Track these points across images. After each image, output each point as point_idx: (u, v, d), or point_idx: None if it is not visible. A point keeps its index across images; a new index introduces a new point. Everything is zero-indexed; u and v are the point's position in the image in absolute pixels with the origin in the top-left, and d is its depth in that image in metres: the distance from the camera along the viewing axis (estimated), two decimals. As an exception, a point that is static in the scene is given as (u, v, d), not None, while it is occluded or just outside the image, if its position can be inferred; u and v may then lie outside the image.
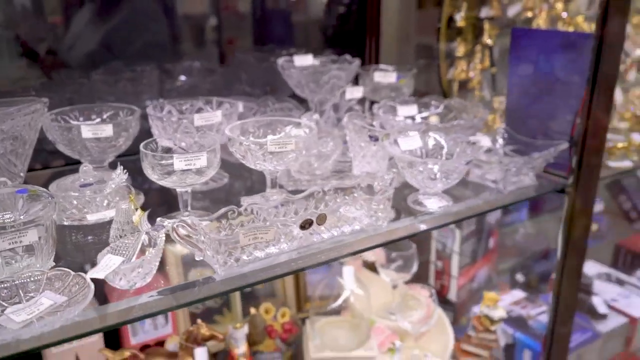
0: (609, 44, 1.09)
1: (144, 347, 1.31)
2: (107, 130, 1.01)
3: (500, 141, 1.29)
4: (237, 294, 1.50)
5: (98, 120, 1.12)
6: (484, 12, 1.52)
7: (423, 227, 1.01)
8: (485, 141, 1.17)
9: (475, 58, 1.57)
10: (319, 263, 0.86)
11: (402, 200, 1.08)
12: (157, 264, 0.77)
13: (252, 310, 1.44)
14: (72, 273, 0.72)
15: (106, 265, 0.71)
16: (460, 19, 1.55)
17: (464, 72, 1.55)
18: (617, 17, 1.08)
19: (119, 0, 1.33)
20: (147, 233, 0.76)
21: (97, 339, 1.23)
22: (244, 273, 0.81)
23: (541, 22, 1.52)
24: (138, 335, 1.32)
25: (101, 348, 1.20)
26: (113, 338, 1.30)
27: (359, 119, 1.10)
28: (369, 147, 1.07)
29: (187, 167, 0.87)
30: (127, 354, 1.18)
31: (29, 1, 1.24)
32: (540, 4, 1.53)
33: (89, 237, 0.92)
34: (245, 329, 1.33)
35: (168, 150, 0.95)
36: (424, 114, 1.32)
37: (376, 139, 1.04)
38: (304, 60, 1.31)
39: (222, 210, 0.83)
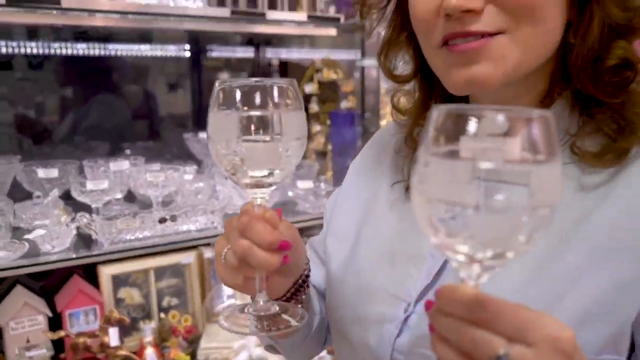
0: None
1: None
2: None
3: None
4: (156, 307, 2.02)
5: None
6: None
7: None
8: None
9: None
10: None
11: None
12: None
13: (162, 315, 1.96)
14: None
15: None
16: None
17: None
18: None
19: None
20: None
21: (43, 326, 1.74)
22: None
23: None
24: (74, 328, 1.83)
25: (44, 331, 1.71)
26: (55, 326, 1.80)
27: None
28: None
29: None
30: (62, 333, 1.69)
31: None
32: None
33: None
34: (152, 325, 1.85)
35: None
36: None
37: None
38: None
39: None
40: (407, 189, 0.80)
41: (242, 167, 0.65)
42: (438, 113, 0.43)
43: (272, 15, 1.65)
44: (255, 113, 0.64)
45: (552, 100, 0.69)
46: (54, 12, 1.37)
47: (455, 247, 0.43)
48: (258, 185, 0.67)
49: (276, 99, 0.64)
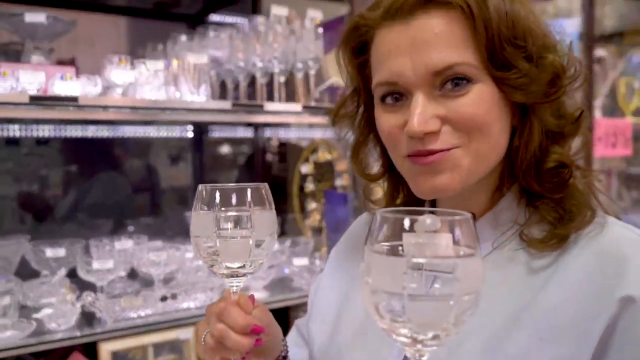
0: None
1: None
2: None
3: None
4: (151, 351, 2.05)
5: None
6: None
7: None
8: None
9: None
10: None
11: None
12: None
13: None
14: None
15: None
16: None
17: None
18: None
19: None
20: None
21: None
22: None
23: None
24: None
25: None
26: None
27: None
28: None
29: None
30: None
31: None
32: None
33: None
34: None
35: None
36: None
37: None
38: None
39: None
40: None
41: (219, 259, 0.75)
42: (378, 216, 0.53)
43: (269, 106, 1.79)
44: (231, 213, 0.75)
45: (502, 194, 0.80)
46: (71, 108, 1.51)
47: (398, 330, 0.52)
48: (233, 275, 0.77)
49: (249, 200, 0.76)
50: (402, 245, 0.51)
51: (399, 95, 0.75)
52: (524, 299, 0.73)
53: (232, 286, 0.79)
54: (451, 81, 0.71)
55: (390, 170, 0.89)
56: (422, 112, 0.72)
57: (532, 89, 0.72)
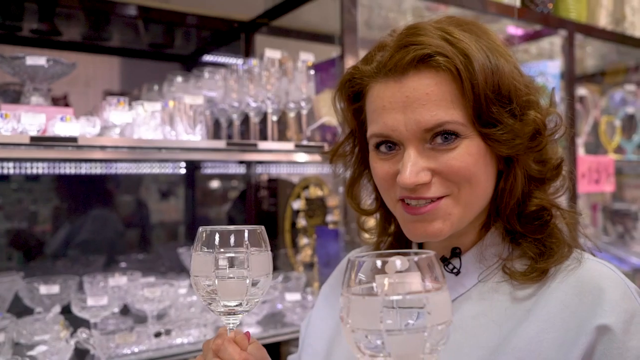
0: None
1: None
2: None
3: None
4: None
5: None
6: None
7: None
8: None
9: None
10: None
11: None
12: None
13: None
14: None
15: None
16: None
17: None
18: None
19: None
20: None
21: None
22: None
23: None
24: None
25: None
26: None
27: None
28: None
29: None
30: None
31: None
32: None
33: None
34: None
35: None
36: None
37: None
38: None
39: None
40: None
41: (217, 298, 0.79)
42: (352, 261, 0.59)
43: (263, 145, 1.85)
44: (229, 254, 0.80)
45: (487, 231, 0.86)
46: (70, 148, 1.55)
47: None
48: (230, 312, 0.82)
49: (246, 242, 0.80)
50: (375, 286, 0.56)
51: (392, 145, 0.81)
52: (507, 327, 0.78)
53: (229, 323, 0.83)
54: (441, 136, 0.78)
55: (382, 205, 0.94)
56: (413, 164, 0.78)
57: (515, 142, 0.79)
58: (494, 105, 0.77)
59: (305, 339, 1.02)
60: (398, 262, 0.56)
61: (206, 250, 0.80)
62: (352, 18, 1.96)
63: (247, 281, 0.79)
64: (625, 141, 3.19)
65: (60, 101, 2.36)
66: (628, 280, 0.80)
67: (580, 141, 2.89)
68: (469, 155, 0.78)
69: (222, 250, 0.80)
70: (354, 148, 0.95)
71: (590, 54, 3.22)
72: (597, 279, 0.78)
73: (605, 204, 3.48)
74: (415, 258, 0.57)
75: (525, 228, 0.82)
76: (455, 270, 0.86)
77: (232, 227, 0.81)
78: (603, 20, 2.78)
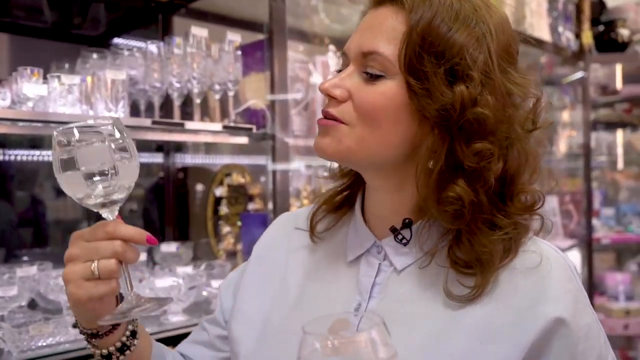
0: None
1: None
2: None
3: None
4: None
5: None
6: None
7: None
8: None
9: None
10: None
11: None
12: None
13: None
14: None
15: None
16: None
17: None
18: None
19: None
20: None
21: None
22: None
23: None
24: None
25: None
26: None
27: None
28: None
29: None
30: None
31: None
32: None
33: None
34: None
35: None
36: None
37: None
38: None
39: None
40: None
41: (79, 168, 0.75)
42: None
43: (190, 125, 1.78)
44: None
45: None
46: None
47: None
48: (105, 205, 0.78)
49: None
50: None
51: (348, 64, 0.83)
52: (457, 306, 0.78)
53: (108, 217, 0.80)
54: (370, 69, 0.79)
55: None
56: (339, 78, 0.81)
57: (426, 102, 0.75)
58: (428, 55, 0.75)
59: (237, 304, 0.96)
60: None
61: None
62: (280, 4, 1.95)
63: (108, 144, 0.75)
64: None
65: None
66: (568, 259, 0.82)
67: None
68: (381, 94, 0.78)
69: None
70: None
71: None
72: (550, 265, 0.79)
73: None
74: None
75: (438, 210, 0.78)
76: (404, 241, 0.84)
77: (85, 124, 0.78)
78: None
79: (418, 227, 0.83)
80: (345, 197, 0.95)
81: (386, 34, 0.78)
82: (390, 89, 0.78)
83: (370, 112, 0.78)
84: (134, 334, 0.86)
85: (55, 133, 0.77)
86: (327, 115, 0.81)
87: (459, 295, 0.77)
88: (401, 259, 0.84)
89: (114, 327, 0.83)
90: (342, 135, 0.80)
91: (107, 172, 0.76)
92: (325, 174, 0.97)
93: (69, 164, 0.76)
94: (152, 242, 0.79)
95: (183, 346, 1.04)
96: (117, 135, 0.77)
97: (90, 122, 0.78)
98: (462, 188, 0.76)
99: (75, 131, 0.76)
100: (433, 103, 0.75)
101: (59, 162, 0.76)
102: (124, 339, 0.85)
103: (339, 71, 0.83)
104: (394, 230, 0.85)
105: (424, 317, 0.79)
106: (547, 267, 0.79)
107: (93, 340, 0.83)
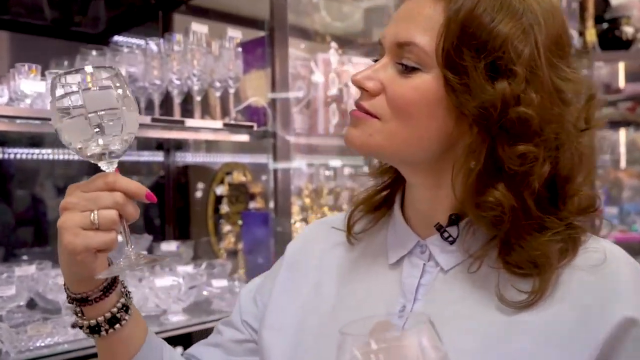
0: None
1: None
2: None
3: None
4: None
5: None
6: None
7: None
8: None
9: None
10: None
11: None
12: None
13: None
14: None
15: None
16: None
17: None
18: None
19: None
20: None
21: None
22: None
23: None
24: None
25: None
26: None
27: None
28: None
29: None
30: None
31: None
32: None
33: None
34: None
35: None
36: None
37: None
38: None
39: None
40: None
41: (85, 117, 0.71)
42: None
43: (190, 122, 1.76)
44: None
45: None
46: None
47: None
48: (102, 158, 0.75)
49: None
50: None
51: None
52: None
53: (107, 170, 0.76)
54: (406, 60, 0.74)
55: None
56: (373, 70, 0.77)
57: (465, 98, 0.70)
58: (468, 48, 0.70)
59: (268, 310, 0.91)
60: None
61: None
62: (281, 1, 1.93)
63: (115, 89, 0.72)
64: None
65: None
66: (631, 259, 0.76)
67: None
68: (415, 88, 0.73)
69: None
70: None
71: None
72: (618, 265, 0.73)
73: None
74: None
75: (479, 218, 0.73)
76: (450, 239, 0.79)
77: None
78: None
79: (465, 225, 0.77)
80: (384, 197, 0.90)
81: (423, 24, 0.73)
82: (426, 82, 0.73)
83: (403, 106, 0.74)
84: (126, 308, 0.81)
85: (56, 76, 0.74)
86: (360, 109, 0.77)
87: (514, 302, 0.71)
88: (448, 258, 0.79)
89: (105, 294, 0.78)
90: (373, 130, 0.76)
91: (112, 118, 0.72)
92: (365, 170, 0.93)
93: (72, 109, 0.72)
94: (151, 199, 0.75)
95: (194, 348, 0.99)
96: (119, 83, 0.74)
97: (90, 69, 0.74)
98: (502, 193, 0.70)
99: (80, 74, 0.73)
100: (472, 100, 0.70)
101: (62, 105, 0.73)
102: (115, 310, 0.79)
103: (376, 60, 0.79)
104: (440, 228, 0.79)
105: (476, 320, 0.73)
106: (614, 264, 0.72)
107: (82, 306, 0.78)
